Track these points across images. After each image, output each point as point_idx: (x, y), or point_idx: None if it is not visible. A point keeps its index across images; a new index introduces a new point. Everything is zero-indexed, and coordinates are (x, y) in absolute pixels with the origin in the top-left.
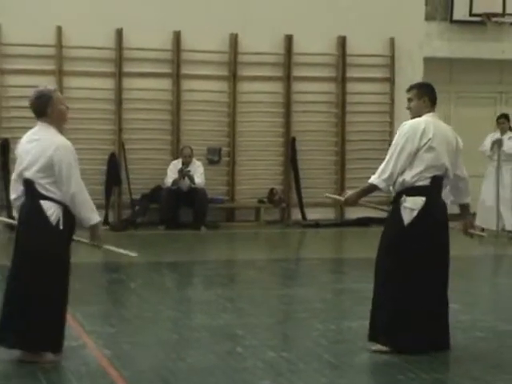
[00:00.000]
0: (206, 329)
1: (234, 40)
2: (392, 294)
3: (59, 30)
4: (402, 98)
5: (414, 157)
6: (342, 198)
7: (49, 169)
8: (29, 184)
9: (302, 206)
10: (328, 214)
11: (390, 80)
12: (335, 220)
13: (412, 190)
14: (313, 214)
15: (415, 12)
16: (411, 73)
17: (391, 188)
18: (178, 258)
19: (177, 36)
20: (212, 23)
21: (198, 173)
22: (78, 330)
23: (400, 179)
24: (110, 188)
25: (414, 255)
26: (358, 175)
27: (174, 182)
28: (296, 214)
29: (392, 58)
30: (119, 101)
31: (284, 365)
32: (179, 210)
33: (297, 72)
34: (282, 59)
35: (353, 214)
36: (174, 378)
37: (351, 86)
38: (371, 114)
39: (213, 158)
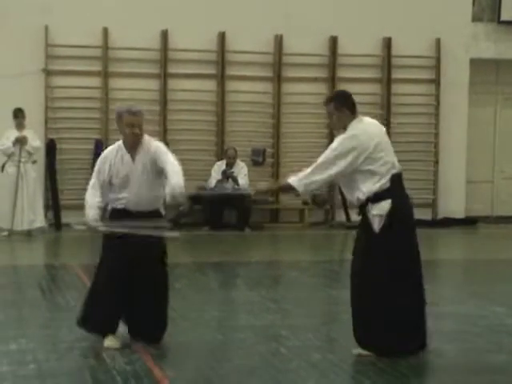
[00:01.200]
0: (250, 329)
1: (278, 41)
2: (367, 298)
3: (105, 31)
4: (447, 99)
5: (354, 169)
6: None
7: None
8: None
9: (346, 208)
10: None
11: (436, 81)
12: None
13: (375, 197)
14: (357, 216)
15: (462, 13)
16: (457, 74)
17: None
18: (222, 258)
19: (221, 37)
20: (256, 24)
21: (242, 174)
22: (123, 329)
23: (362, 189)
24: None
25: (388, 259)
26: (403, 176)
27: (218, 184)
28: (340, 216)
29: (438, 59)
30: (164, 102)
31: (328, 366)
32: (223, 211)
33: (342, 73)
34: (326, 60)
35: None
36: (218, 379)
37: (396, 88)
38: (416, 115)
39: (257, 160)
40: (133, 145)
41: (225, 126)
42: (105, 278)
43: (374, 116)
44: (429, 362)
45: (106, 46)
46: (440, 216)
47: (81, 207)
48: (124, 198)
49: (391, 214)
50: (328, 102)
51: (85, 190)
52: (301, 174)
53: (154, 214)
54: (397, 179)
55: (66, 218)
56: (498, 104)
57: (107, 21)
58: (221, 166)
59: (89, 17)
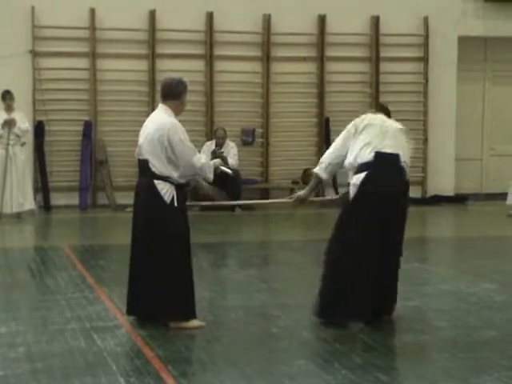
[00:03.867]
0: (241, 309)
1: (267, 21)
2: (336, 267)
3: (92, 12)
4: (436, 77)
5: (350, 142)
6: (288, 200)
7: (162, 149)
8: (143, 163)
9: (336, 186)
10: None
11: (424, 59)
12: None
13: (357, 169)
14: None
15: None
16: (445, 52)
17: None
18: (212, 239)
19: (209, 17)
20: (244, 4)
21: (232, 154)
22: (113, 310)
23: (345, 163)
24: None
25: (357, 228)
26: None
27: None
28: (330, 194)
29: (426, 37)
30: (152, 82)
31: (320, 345)
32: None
33: (330, 52)
34: (315, 39)
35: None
36: (209, 359)
37: (385, 66)
38: (405, 93)
39: (246, 140)
40: (179, 114)
41: (214, 107)
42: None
43: (363, 95)
44: (419, 338)
45: (93, 27)
46: (429, 194)
47: (70, 189)
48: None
49: (363, 184)
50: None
51: (74, 171)
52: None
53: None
54: (382, 157)
55: (56, 199)
56: (487, 81)
57: (94, 1)
58: (210, 146)
59: None
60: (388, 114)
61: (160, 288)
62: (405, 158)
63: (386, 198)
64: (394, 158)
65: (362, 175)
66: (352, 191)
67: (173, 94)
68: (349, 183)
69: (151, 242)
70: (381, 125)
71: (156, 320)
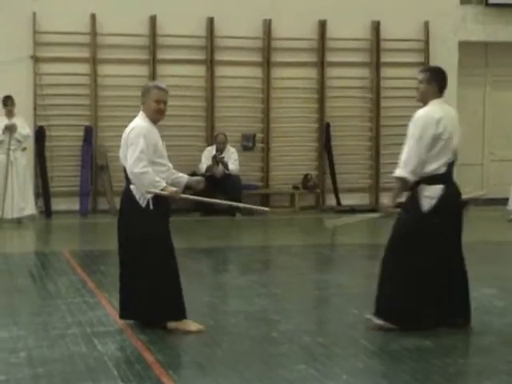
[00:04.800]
0: (242, 314)
1: (267, 26)
2: (404, 278)
3: (93, 17)
4: None
5: (431, 146)
6: (380, 214)
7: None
8: (124, 170)
9: (336, 192)
10: (363, 200)
11: (425, 65)
12: (370, 205)
13: (430, 179)
14: (348, 200)
15: None
16: (446, 57)
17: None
18: (213, 244)
19: (210, 22)
20: (244, 9)
21: (232, 159)
22: (114, 315)
23: (419, 169)
24: None
25: (431, 242)
26: (393, 160)
27: (208, 169)
28: (331, 200)
29: (426, 42)
30: None
31: (320, 350)
32: (214, 196)
33: (330, 57)
34: (315, 44)
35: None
36: (209, 363)
37: (385, 71)
38: (406, 99)
39: (247, 145)
40: (155, 121)
41: (214, 112)
42: None
43: (363, 100)
44: (419, 343)
45: (94, 33)
46: None
47: (70, 194)
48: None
49: (441, 198)
50: (425, 70)
51: (75, 176)
52: (401, 164)
53: None
54: (451, 167)
55: (56, 205)
56: (487, 86)
57: (95, 7)
58: (211, 151)
59: (77, 3)
60: (444, 87)
61: (145, 291)
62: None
63: (458, 210)
64: (453, 163)
65: (438, 189)
66: (425, 203)
67: (141, 99)
68: (413, 190)
69: (131, 247)
70: (450, 128)
71: (148, 322)
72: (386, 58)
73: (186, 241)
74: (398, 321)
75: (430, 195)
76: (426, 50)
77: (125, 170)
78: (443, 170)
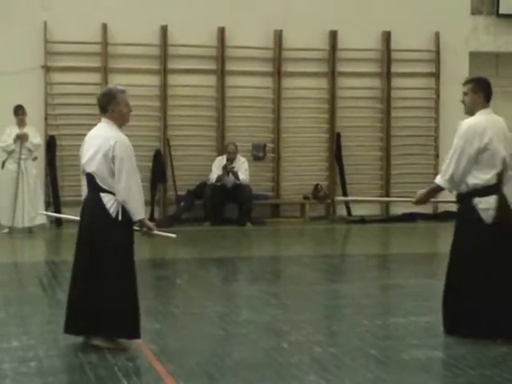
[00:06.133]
0: (252, 324)
1: (278, 36)
2: (476, 288)
3: (104, 27)
4: (447, 93)
5: (476, 158)
6: (412, 200)
7: (107, 162)
8: (90, 178)
9: (347, 202)
10: (373, 210)
11: (436, 75)
12: (381, 216)
13: (483, 191)
14: (358, 210)
15: (461, 6)
16: (457, 67)
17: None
18: (223, 253)
19: (221, 32)
20: (256, 20)
21: (243, 169)
22: None
23: (468, 181)
24: (156, 185)
25: (501, 252)
26: (403, 171)
27: (219, 179)
28: (341, 210)
29: (437, 52)
30: (164, 97)
31: (330, 360)
32: (224, 206)
33: (341, 67)
34: (326, 55)
35: (398, 209)
36: (219, 374)
37: (396, 81)
38: (416, 109)
39: (257, 155)
40: (123, 124)
41: (225, 121)
42: None
43: (374, 110)
44: (429, 354)
45: (105, 42)
46: (441, 209)
47: (81, 203)
48: None
49: (499, 208)
50: (468, 81)
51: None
52: (441, 172)
53: None
54: (501, 177)
55: (67, 214)
56: (498, 97)
57: (106, 17)
58: (221, 161)
59: (88, 13)
60: (489, 96)
61: (100, 304)
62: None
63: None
64: (502, 175)
65: (492, 200)
66: (484, 215)
67: (102, 107)
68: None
69: (93, 256)
70: (497, 138)
71: (95, 338)
72: (396, 68)
73: (196, 251)
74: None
75: (487, 207)
76: (436, 61)
77: (90, 178)
78: (494, 180)
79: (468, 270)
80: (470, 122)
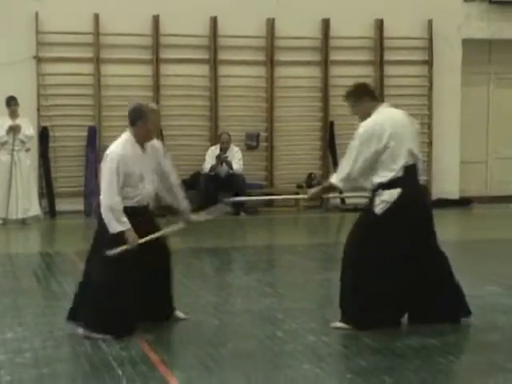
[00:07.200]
0: (247, 314)
1: (270, 25)
2: (361, 279)
3: (96, 17)
4: (440, 80)
5: (376, 159)
6: (304, 196)
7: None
8: None
9: (340, 191)
10: (367, 199)
11: (429, 63)
12: None
13: (387, 184)
14: (352, 198)
15: None
16: (450, 55)
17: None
18: (217, 243)
19: (213, 22)
20: (248, 8)
21: (236, 158)
22: None
23: (373, 180)
24: None
25: (386, 246)
26: None
27: (212, 168)
28: (335, 199)
29: (430, 40)
30: (157, 87)
31: (324, 349)
32: (218, 195)
33: (334, 56)
34: (319, 43)
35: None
36: (214, 363)
37: (389, 69)
38: (409, 97)
39: (251, 144)
40: (146, 141)
41: (218, 111)
42: None
43: None
44: (423, 341)
45: (97, 32)
46: (434, 197)
47: (75, 194)
48: (139, 195)
49: (397, 202)
50: (346, 97)
51: (79, 177)
52: (338, 171)
53: (150, 209)
54: (411, 169)
55: (61, 205)
56: (491, 84)
57: (98, 7)
58: (215, 150)
59: (79, 3)
60: (373, 93)
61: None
62: (419, 154)
63: (419, 211)
64: (415, 165)
65: (395, 193)
66: (381, 207)
67: (131, 121)
68: (373, 193)
69: (96, 244)
70: (404, 128)
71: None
72: (389, 56)
73: (190, 240)
74: (359, 322)
75: (386, 199)
76: (429, 48)
77: None
78: (400, 173)
79: (349, 259)
80: (365, 124)
